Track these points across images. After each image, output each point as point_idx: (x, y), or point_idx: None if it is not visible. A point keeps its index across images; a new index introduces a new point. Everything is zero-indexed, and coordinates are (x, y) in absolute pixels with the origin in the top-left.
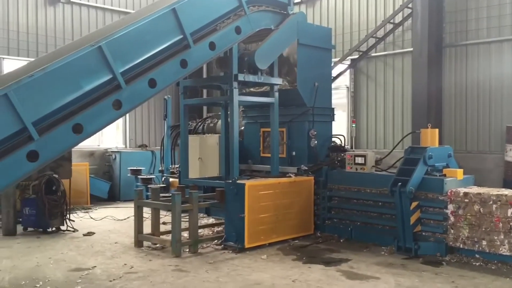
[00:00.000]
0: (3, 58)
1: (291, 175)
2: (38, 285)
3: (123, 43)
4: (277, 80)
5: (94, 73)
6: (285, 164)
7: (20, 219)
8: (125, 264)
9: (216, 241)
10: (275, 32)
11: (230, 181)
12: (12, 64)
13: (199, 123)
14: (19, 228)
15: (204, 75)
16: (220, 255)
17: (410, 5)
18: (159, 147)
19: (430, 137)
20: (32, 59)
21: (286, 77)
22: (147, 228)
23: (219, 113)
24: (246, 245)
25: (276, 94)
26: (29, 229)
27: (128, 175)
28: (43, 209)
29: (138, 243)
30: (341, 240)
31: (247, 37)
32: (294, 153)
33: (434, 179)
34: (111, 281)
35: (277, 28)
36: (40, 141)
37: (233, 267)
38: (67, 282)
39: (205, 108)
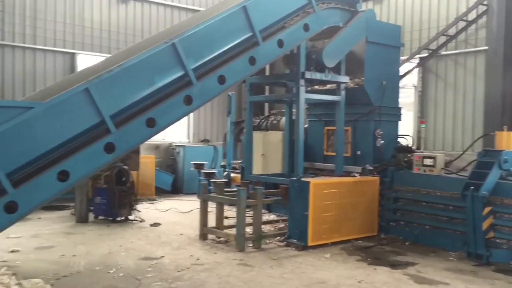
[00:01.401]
0: (78, 53)
1: (356, 175)
2: (111, 271)
3: (195, 40)
4: (344, 78)
5: (167, 69)
6: (349, 163)
7: (92, 208)
8: (191, 255)
9: (278, 237)
10: (343, 30)
11: (295, 178)
12: (86, 59)
13: (263, 120)
14: (91, 216)
15: (267, 73)
16: (283, 251)
17: (485, 2)
18: (221, 142)
19: (506, 140)
20: (104, 55)
21: (353, 75)
22: (210, 221)
23: (283, 110)
24: (309, 243)
25: (343, 92)
26: (100, 217)
27: (191, 169)
28: (113, 199)
29: (203, 236)
30: (406, 243)
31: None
32: (358, 152)
33: (510, 184)
34: (179, 271)
35: (345, 25)
36: (116, 134)
37: (297, 265)
38: (137, 270)
39: (267, 105)
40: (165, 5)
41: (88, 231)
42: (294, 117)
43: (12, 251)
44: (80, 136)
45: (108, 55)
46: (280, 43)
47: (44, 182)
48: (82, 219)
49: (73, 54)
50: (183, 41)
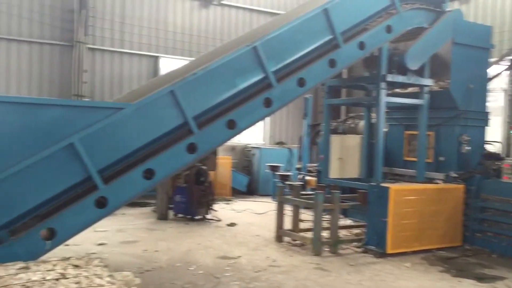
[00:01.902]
0: (161, 56)
1: (439, 182)
2: (191, 268)
3: (276, 43)
4: (428, 81)
5: (248, 72)
6: (431, 169)
7: (172, 206)
8: (267, 257)
9: (355, 243)
10: (428, 31)
11: (374, 183)
12: (168, 63)
13: (340, 123)
14: (170, 213)
15: (345, 75)
16: (360, 258)
17: None
18: (296, 145)
19: None
20: (185, 58)
21: (437, 78)
22: (286, 223)
23: (361, 113)
24: (388, 251)
25: (426, 96)
26: (179, 215)
27: (266, 170)
28: (192, 198)
29: (279, 238)
30: (493, 255)
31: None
32: (442, 158)
33: None
34: (256, 272)
35: (431, 26)
36: (199, 135)
37: (375, 272)
38: (216, 268)
39: (343, 108)
40: (244, 9)
41: (168, 228)
42: (373, 120)
43: (100, 244)
44: (165, 136)
45: (189, 59)
46: (361, 45)
47: (131, 180)
48: (162, 216)
49: (157, 57)
50: (264, 44)
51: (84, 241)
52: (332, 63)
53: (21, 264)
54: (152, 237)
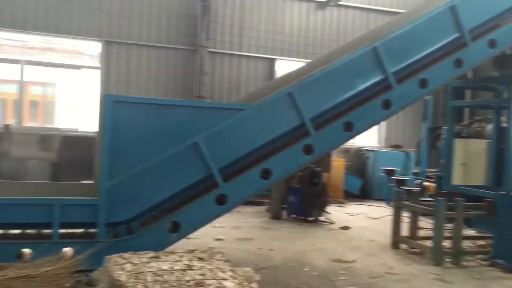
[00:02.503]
0: (277, 59)
1: None
2: (305, 269)
3: (396, 43)
4: None
5: (367, 73)
6: None
7: (285, 206)
8: (383, 263)
9: (480, 255)
10: None
11: (504, 192)
12: (284, 65)
13: (465, 127)
14: (284, 213)
15: (469, 76)
16: (486, 271)
17: None
18: (414, 149)
19: None
20: (301, 60)
21: None
22: (402, 230)
23: (488, 116)
24: None
25: None
26: (292, 215)
27: (381, 174)
28: (305, 199)
29: (395, 245)
30: None
31: None
32: None
33: None
34: (372, 278)
35: None
36: (315, 136)
37: None
38: (330, 271)
39: (466, 111)
40: (362, 9)
41: (281, 228)
42: (503, 124)
43: (218, 239)
44: (282, 137)
45: (305, 61)
46: (492, 43)
47: (249, 179)
48: (276, 216)
49: (273, 59)
50: (384, 45)
51: (204, 235)
52: (458, 63)
53: (152, 254)
54: (267, 235)
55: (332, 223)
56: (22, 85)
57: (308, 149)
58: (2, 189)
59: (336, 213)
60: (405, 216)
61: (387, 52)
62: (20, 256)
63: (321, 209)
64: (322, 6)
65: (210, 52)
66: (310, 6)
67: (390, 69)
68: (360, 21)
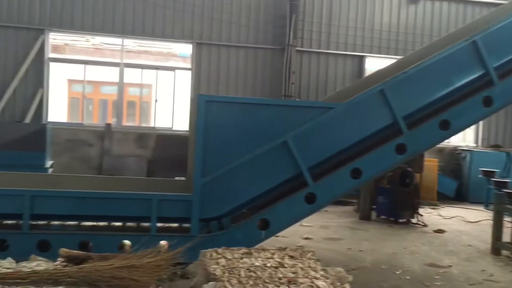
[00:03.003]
0: (366, 56)
1: None
2: (397, 272)
3: (498, 36)
4: None
5: (465, 69)
6: None
7: (374, 206)
8: (483, 270)
9: None
10: None
11: None
12: (373, 62)
13: None
14: (373, 214)
15: None
16: None
17: None
18: None
19: None
20: (391, 57)
21: None
22: (505, 235)
23: None
24: None
25: None
26: (381, 216)
27: (479, 176)
28: (396, 200)
29: (495, 251)
30: None
31: None
32: None
33: None
34: (470, 285)
35: None
36: (408, 135)
37: None
38: (424, 275)
39: None
40: (457, 2)
41: (371, 229)
42: None
43: (306, 238)
44: (373, 136)
45: (395, 57)
46: None
47: (339, 178)
48: (365, 217)
49: (362, 57)
50: (484, 38)
51: (292, 234)
52: None
53: (244, 250)
54: (355, 236)
55: (425, 225)
56: (121, 86)
57: (400, 149)
58: (104, 184)
59: (429, 215)
60: (507, 220)
61: (488, 46)
62: (121, 247)
63: (413, 211)
64: (413, 0)
65: (298, 50)
66: (402, 0)
67: (491, 64)
68: (456, 15)
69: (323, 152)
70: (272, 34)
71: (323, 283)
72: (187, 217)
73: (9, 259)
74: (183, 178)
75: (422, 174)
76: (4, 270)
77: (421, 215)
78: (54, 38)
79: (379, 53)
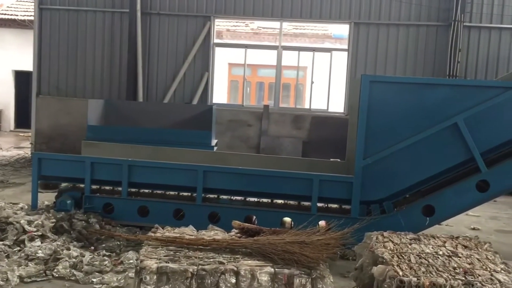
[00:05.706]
0: None
1: None
2: None
3: None
4: None
5: None
6: None
7: None
8: None
9: None
10: None
11: None
12: None
13: None
14: None
15: None
16: None
17: None
18: None
19: None
20: None
21: None
22: None
23: None
24: None
25: None
26: None
27: None
28: None
29: None
30: None
31: None
32: None
33: None
34: None
35: None
36: None
37: None
38: None
39: None
40: None
41: None
42: None
43: (473, 229)
44: None
45: None
46: None
47: None
48: None
49: None
50: None
51: (457, 223)
52: None
53: (412, 235)
54: None
55: None
56: (279, 69)
57: None
58: (265, 163)
59: None
60: None
61: None
62: (282, 223)
63: None
64: None
65: (466, 26)
66: None
67: None
68: None
69: (499, 137)
70: (437, 9)
71: (505, 277)
72: (347, 199)
73: (191, 227)
74: (338, 160)
75: None
76: (188, 237)
77: None
78: (218, 24)
79: None
